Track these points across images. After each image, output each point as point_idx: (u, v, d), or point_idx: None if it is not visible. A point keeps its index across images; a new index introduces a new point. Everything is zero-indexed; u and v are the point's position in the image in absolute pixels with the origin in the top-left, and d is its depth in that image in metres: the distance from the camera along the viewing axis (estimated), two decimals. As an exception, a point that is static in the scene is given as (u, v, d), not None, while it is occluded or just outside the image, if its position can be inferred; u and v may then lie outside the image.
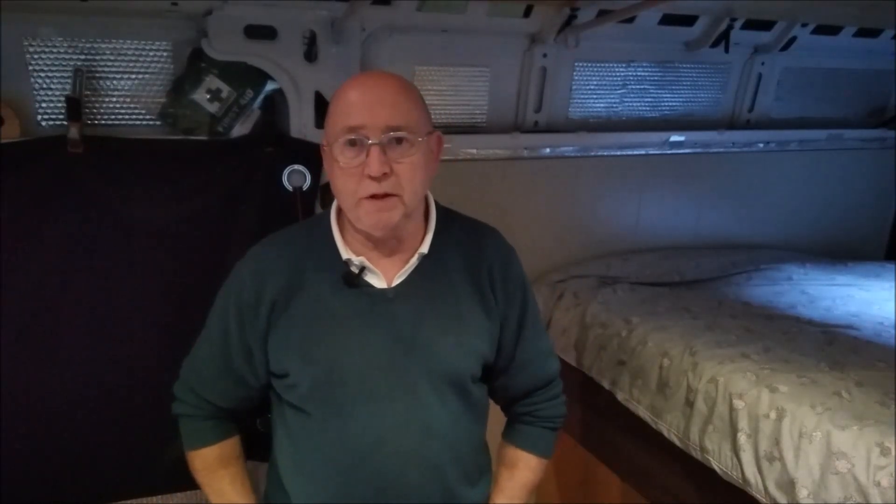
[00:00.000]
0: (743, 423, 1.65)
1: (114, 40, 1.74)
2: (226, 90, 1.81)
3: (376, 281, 1.19)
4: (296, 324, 1.18)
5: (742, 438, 1.64)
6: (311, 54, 1.85)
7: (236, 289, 1.22)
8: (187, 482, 1.31)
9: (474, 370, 1.23)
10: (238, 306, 1.21)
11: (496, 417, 1.38)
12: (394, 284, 1.19)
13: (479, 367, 1.24)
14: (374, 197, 1.10)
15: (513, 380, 1.32)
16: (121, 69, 1.77)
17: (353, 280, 1.18)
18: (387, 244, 1.19)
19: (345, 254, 1.19)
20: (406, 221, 1.16)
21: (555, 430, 1.39)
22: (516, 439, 1.38)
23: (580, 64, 2.42)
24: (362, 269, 1.18)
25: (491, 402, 1.37)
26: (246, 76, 1.82)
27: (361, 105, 1.10)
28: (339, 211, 1.23)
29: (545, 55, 2.29)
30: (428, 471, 1.19)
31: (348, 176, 1.11)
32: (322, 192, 1.91)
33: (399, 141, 1.10)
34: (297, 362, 1.18)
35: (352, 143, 1.09)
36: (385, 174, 1.08)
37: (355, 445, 1.17)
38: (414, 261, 1.20)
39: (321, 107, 1.87)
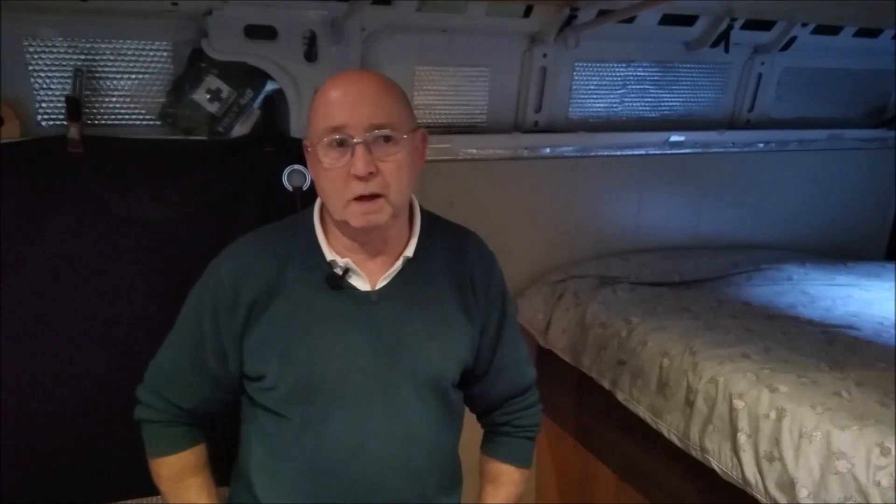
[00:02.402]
0: (743, 423, 1.65)
1: (114, 40, 1.74)
2: (226, 90, 1.81)
3: (360, 283, 1.18)
4: (276, 325, 1.15)
5: (742, 438, 1.64)
6: (311, 54, 1.85)
7: (212, 288, 1.19)
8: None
9: (455, 375, 1.23)
10: (214, 306, 1.18)
11: (470, 427, 1.38)
12: (378, 287, 1.18)
13: (459, 372, 1.24)
14: (361, 198, 1.09)
15: (490, 386, 1.31)
16: (121, 69, 1.77)
17: (337, 282, 1.16)
18: (372, 245, 1.18)
19: (329, 255, 1.17)
20: (393, 221, 1.15)
21: (533, 440, 1.39)
22: (496, 452, 1.37)
23: (580, 64, 2.42)
24: (346, 270, 1.17)
25: (466, 412, 1.36)
26: (246, 76, 1.82)
27: (343, 103, 1.08)
28: (322, 210, 1.21)
29: (545, 55, 2.29)
30: (407, 477, 1.18)
31: (334, 178, 1.09)
32: (321, 192, 1.91)
33: (385, 139, 1.08)
34: (276, 364, 1.15)
35: (336, 143, 1.08)
36: (371, 174, 1.07)
37: (334, 450, 1.15)
38: (398, 264, 1.19)
39: (321, 107, 1.87)
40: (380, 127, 1.07)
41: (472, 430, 1.40)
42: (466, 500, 1.37)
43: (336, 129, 1.07)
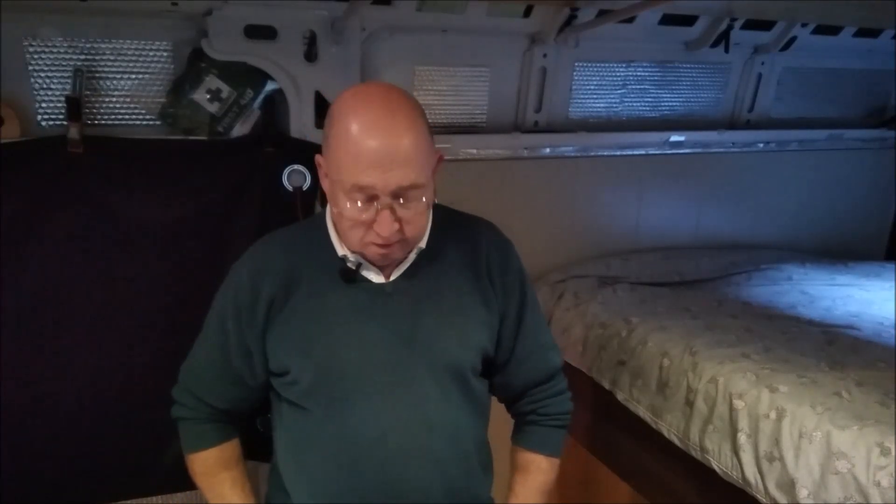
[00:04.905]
0: (743, 423, 1.65)
1: (114, 40, 1.74)
2: (226, 90, 1.81)
3: (374, 276, 1.19)
4: (294, 321, 1.18)
5: (742, 438, 1.64)
6: (311, 54, 1.85)
7: (234, 289, 1.22)
8: (187, 482, 1.31)
9: (475, 363, 1.24)
10: (236, 306, 1.21)
11: (499, 417, 1.38)
12: (392, 279, 1.20)
13: (479, 360, 1.24)
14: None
15: (513, 374, 1.32)
16: (121, 69, 1.77)
17: (350, 275, 1.18)
18: None
19: (341, 250, 1.19)
20: None
21: (562, 428, 1.38)
22: (524, 441, 1.37)
23: (580, 64, 2.42)
24: (359, 264, 1.18)
25: (495, 402, 1.36)
26: (246, 76, 1.82)
27: (373, 161, 1.03)
28: None
29: (545, 55, 2.29)
30: (430, 466, 1.19)
31: (354, 223, 1.09)
32: (322, 192, 1.91)
33: (409, 197, 1.08)
34: (297, 359, 1.18)
35: (361, 200, 1.06)
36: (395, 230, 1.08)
37: (356, 441, 1.17)
38: (412, 256, 1.20)
39: (321, 107, 1.87)
40: (409, 188, 1.06)
41: (502, 419, 1.40)
42: (500, 489, 1.37)
43: (362, 189, 1.05)
